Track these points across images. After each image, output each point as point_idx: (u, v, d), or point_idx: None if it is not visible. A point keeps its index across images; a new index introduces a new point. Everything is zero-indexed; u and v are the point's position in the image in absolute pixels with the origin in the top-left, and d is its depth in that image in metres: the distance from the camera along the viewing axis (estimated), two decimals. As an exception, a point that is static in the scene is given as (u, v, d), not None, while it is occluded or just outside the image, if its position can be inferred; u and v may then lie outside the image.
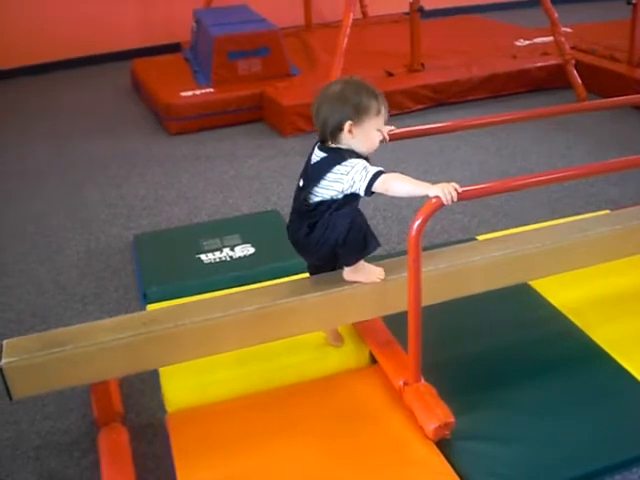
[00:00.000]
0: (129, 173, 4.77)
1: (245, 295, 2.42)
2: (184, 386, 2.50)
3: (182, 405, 2.45)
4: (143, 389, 2.65)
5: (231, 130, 5.44)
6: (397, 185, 2.15)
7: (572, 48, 6.09)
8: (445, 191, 2.07)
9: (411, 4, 5.56)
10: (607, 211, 3.37)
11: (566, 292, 2.91)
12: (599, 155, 4.60)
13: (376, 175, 2.16)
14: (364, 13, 8.12)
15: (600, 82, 5.77)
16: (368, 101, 2.23)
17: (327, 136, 2.27)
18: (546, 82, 5.97)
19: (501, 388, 2.45)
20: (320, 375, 2.55)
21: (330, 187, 2.24)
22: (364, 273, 2.38)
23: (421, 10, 5.53)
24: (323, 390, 2.48)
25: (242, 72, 5.79)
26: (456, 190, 2.08)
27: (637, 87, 5.36)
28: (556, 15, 5.76)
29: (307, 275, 2.52)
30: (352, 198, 2.26)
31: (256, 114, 5.59)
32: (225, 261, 3.31)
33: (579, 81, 5.69)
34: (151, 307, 2.88)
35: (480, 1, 8.95)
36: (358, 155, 2.25)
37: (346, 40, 4.95)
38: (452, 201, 2.07)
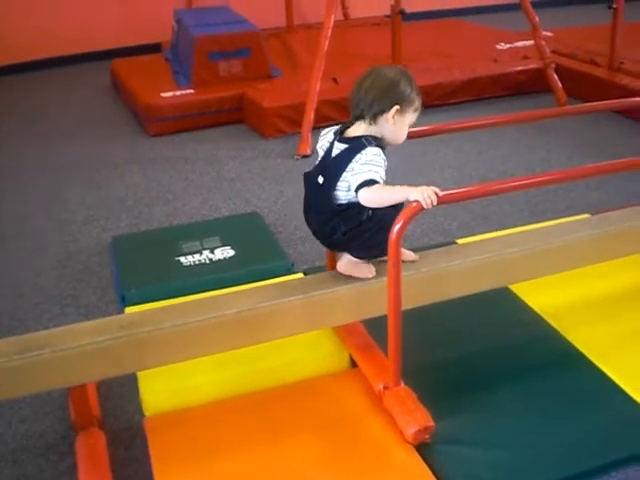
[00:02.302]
0: (108, 174, 4.74)
1: (224, 298, 2.40)
2: (162, 389, 2.47)
3: (160, 409, 2.43)
4: (121, 392, 2.63)
5: (211, 131, 5.42)
6: (377, 197, 2.19)
7: (553, 52, 6.12)
8: (424, 195, 2.07)
9: (392, 7, 5.56)
10: (587, 215, 3.38)
11: (545, 296, 2.91)
12: (579, 159, 4.62)
13: (372, 181, 2.18)
14: (345, 15, 8.12)
15: (580, 86, 5.80)
16: (415, 96, 2.33)
17: (368, 116, 2.30)
18: (527, 86, 5.99)
19: (481, 392, 2.45)
20: (300, 379, 2.54)
21: (346, 182, 2.25)
22: (361, 269, 2.40)
23: (402, 13, 5.54)
24: (303, 394, 2.47)
25: (223, 73, 5.78)
26: (436, 194, 2.08)
27: (617, 91, 5.38)
28: (537, 19, 5.80)
29: (287, 278, 2.51)
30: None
31: (237, 115, 5.56)
32: (204, 263, 3.29)
33: (559, 85, 5.72)
34: (129, 310, 2.85)
35: (461, 4, 8.98)
36: (377, 141, 2.27)
37: (327, 42, 4.95)
38: (432, 205, 2.08)
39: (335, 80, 5.57)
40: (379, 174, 2.20)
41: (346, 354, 2.60)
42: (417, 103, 2.34)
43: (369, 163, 2.21)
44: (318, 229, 2.42)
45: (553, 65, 5.83)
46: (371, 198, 2.20)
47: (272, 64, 6.02)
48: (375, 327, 2.52)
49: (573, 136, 5.03)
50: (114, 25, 7.71)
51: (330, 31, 4.96)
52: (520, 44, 6.58)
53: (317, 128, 4.81)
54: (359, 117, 2.33)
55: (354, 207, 2.28)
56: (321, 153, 2.39)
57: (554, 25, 7.22)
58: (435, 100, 5.52)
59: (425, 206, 2.07)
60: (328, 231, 2.36)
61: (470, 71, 5.83)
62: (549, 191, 4.03)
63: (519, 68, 6.02)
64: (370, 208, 2.25)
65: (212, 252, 3.37)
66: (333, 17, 5.00)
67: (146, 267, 3.31)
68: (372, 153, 2.23)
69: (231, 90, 5.59)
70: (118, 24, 7.72)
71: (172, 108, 5.45)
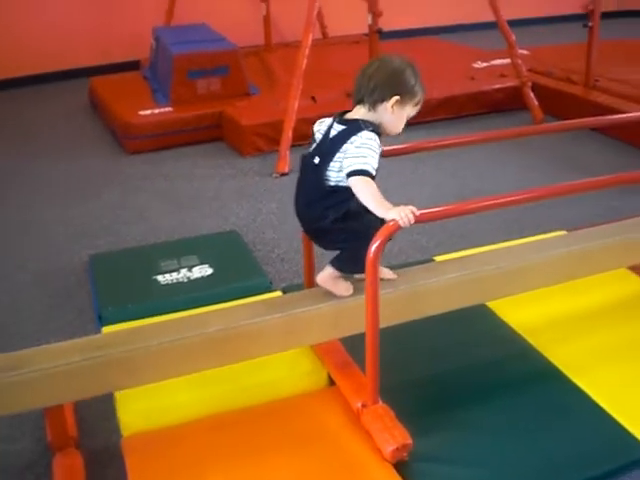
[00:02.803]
0: (86, 192, 4.72)
1: (202, 317, 2.40)
2: (140, 409, 2.46)
3: (138, 428, 2.42)
4: (99, 412, 2.60)
5: (190, 149, 5.41)
6: (366, 193, 2.18)
7: (529, 70, 6.18)
8: (402, 214, 2.08)
9: (370, 26, 5.60)
10: (563, 232, 3.41)
11: (523, 312, 2.93)
12: (555, 176, 4.64)
13: (365, 172, 2.19)
14: (324, 34, 8.17)
15: (557, 104, 5.86)
16: (418, 88, 2.34)
17: (368, 102, 2.31)
18: (504, 104, 6.04)
19: (459, 409, 2.46)
20: (278, 397, 2.53)
21: (339, 162, 2.25)
22: (339, 285, 2.40)
23: (380, 32, 5.57)
24: (281, 412, 2.47)
25: (201, 91, 5.78)
26: (413, 213, 2.09)
27: (592, 109, 5.44)
28: (513, 37, 5.86)
29: (266, 296, 2.50)
30: None
31: (215, 133, 5.57)
32: (182, 282, 3.28)
33: (536, 103, 5.78)
34: (107, 329, 2.85)
35: (438, 23, 9.05)
36: (373, 127, 2.28)
37: (305, 61, 4.97)
38: (409, 224, 2.09)
39: (313, 98, 5.60)
40: (371, 164, 2.20)
41: (324, 372, 2.60)
42: (419, 96, 2.35)
43: (363, 146, 2.22)
44: (304, 211, 2.39)
45: (529, 83, 5.88)
46: (360, 189, 2.19)
47: (250, 82, 6.04)
48: (353, 345, 2.53)
49: (549, 153, 5.07)
50: (93, 43, 7.70)
51: (308, 50, 4.98)
52: (497, 62, 6.64)
53: (295, 146, 4.87)
54: (359, 102, 2.34)
55: (342, 192, 2.27)
56: (319, 137, 2.39)
57: (530, 43, 7.29)
58: (412, 118, 5.53)
59: (402, 225, 2.08)
60: (314, 215, 2.34)
61: (447, 89, 5.87)
62: (526, 208, 4.05)
63: (496, 86, 6.07)
64: (358, 205, 2.24)
65: (190, 270, 3.36)
66: (311, 36, 5.02)
67: (124, 286, 3.30)
68: (367, 137, 2.24)
69: (209, 108, 5.59)
70: (96, 41, 7.71)
71: (150, 126, 5.44)
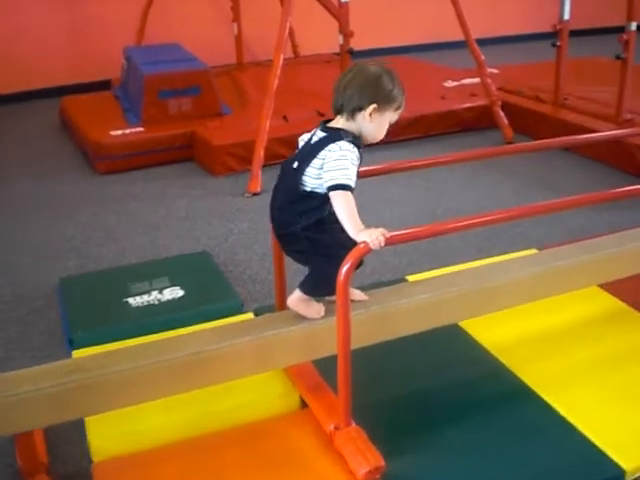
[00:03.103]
0: (56, 213, 4.68)
1: (173, 341, 2.38)
2: (111, 433, 2.43)
3: (108, 454, 2.38)
4: (69, 437, 2.57)
5: (161, 169, 5.40)
6: (344, 210, 2.17)
7: (499, 89, 6.24)
8: (372, 237, 2.08)
9: (341, 46, 5.63)
10: (534, 250, 3.43)
11: (495, 332, 2.93)
12: (525, 194, 4.70)
13: (346, 187, 2.18)
14: (296, 53, 8.21)
15: (526, 122, 5.92)
16: (397, 94, 2.29)
17: (346, 112, 2.28)
18: (474, 122, 6.10)
19: (432, 430, 2.45)
20: (251, 420, 2.51)
21: (317, 169, 2.24)
22: (310, 308, 2.40)
23: (351, 51, 5.60)
24: (254, 436, 2.45)
25: (172, 111, 5.77)
26: (384, 236, 2.09)
27: (562, 127, 5.51)
28: (483, 57, 5.91)
29: (237, 318, 2.48)
30: None
31: (187, 153, 5.56)
32: (153, 304, 3.25)
33: (505, 122, 5.83)
34: (77, 353, 2.81)
35: (409, 42, 9.13)
36: (353, 137, 2.26)
37: (277, 80, 4.98)
38: (379, 247, 2.08)
39: (285, 118, 5.61)
40: (351, 177, 2.19)
41: (296, 395, 2.58)
42: (398, 101, 2.30)
43: (343, 158, 2.20)
44: (277, 214, 2.37)
45: (499, 102, 5.94)
46: (339, 204, 2.17)
47: (222, 102, 6.04)
48: (326, 367, 2.51)
49: (519, 171, 5.12)
50: (64, 62, 7.69)
51: (279, 70, 4.99)
52: (467, 81, 6.71)
53: (267, 166, 4.87)
54: (338, 112, 2.31)
55: (316, 198, 2.26)
56: (301, 144, 2.38)
57: (500, 62, 7.38)
58: (384, 137, 5.54)
59: (373, 247, 2.08)
60: (285, 219, 2.33)
61: (418, 108, 5.90)
62: (496, 226, 4.08)
63: (466, 105, 6.13)
64: (331, 216, 2.24)
65: (161, 292, 3.33)
66: (282, 56, 5.04)
67: (94, 309, 3.26)
68: (346, 148, 2.21)
69: (181, 128, 5.59)
70: (68, 61, 7.71)
71: (121, 146, 5.43)
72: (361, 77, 2.29)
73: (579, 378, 2.68)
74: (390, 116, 2.32)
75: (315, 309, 2.40)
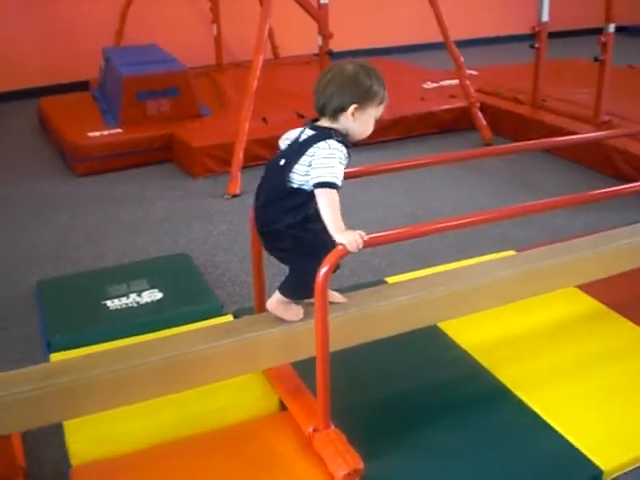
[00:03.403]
0: (33, 215, 4.65)
1: (152, 344, 2.36)
2: (90, 437, 2.41)
3: (87, 457, 2.36)
4: (48, 441, 2.55)
5: (140, 171, 5.37)
6: (327, 208, 2.17)
7: (477, 91, 6.27)
8: (350, 239, 2.08)
9: (320, 47, 5.63)
10: (513, 252, 3.44)
11: (473, 333, 2.94)
12: (505, 196, 4.72)
13: (332, 185, 2.18)
14: (275, 54, 8.20)
15: (505, 124, 5.95)
16: (377, 88, 2.28)
17: (328, 113, 2.28)
18: (453, 124, 6.12)
19: (411, 432, 2.45)
20: (230, 423, 2.50)
21: (306, 165, 2.23)
22: (290, 311, 2.39)
23: (330, 53, 5.61)
24: (232, 439, 2.44)
25: (151, 112, 5.74)
26: (362, 238, 2.09)
27: (540, 128, 5.55)
28: (462, 59, 5.94)
29: (216, 320, 2.47)
30: None
31: (166, 155, 5.53)
32: (132, 307, 3.23)
33: (484, 123, 5.85)
34: (55, 356, 2.79)
35: (388, 44, 9.14)
36: (342, 137, 2.26)
37: (256, 82, 4.97)
38: (357, 249, 2.08)
39: (264, 119, 5.60)
40: (338, 176, 2.19)
41: (275, 397, 2.57)
42: (380, 96, 2.29)
43: (331, 157, 2.19)
44: (261, 211, 2.35)
45: (478, 104, 5.96)
46: (323, 202, 2.17)
47: (201, 103, 6.02)
48: (305, 369, 2.51)
49: (499, 172, 5.14)
50: (41, 62, 7.63)
51: (259, 71, 4.98)
52: (446, 83, 6.73)
53: (247, 167, 4.86)
54: (322, 114, 2.31)
55: (303, 195, 2.25)
56: (286, 142, 2.37)
57: (479, 64, 7.40)
58: (363, 139, 5.55)
59: (350, 249, 2.08)
60: (269, 217, 2.32)
61: (398, 110, 5.91)
62: (476, 227, 4.09)
63: (445, 107, 6.15)
64: (316, 215, 2.23)
65: (140, 295, 3.31)
66: (262, 57, 5.02)
67: (72, 312, 3.24)
68: (334, 147, 2.21)
69: (160, 129, 5.57)
70: (45, 61, 7.64)
71: (99, 148, 5.39)
72: (338, 78, 2.28)
73: (557, 379, 2.69)
74: (374, 112, 2.31)
75: (294, 312, 2.40)
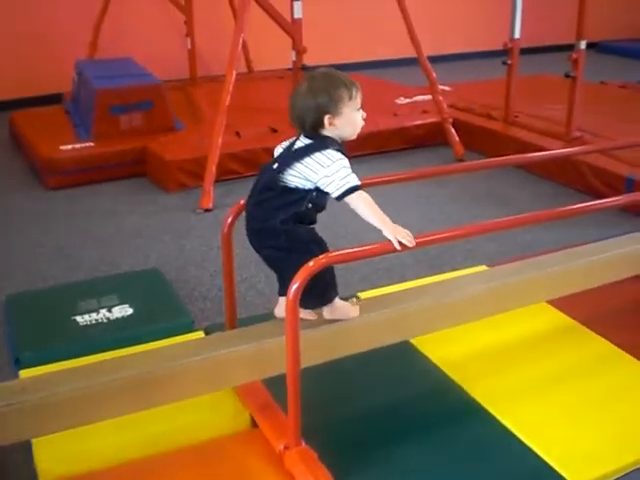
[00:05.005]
0: (4, 229, 4.61)
1: (122, 360, 2.35)
2: (58, 455, 2.38)
3: (56, 475, 2.33)
4: (15, 458, 2.50)
5: (112, 185, 5.34)
6: (365, 209, 2.24)
7: (450, 106, 6.32)
8: (398, 237, 2.18)
9: (294, 62, 5.65)
10: (484, 266, 3.46)
11: (445, 348, 2.95)
12: (476, 211, 4.74)
13: (356, 188, 2.22)
14: (249, 68, 8.21)
15: (477, 139, 6.00)
16: (337, 91, 2.27)
17: (309, 130, 2.29)
18: (426, 139, 6.16)
19: (382, 448, 2.44)
20: (200, 440, 2.48)
21: (303, 174, 2.24)
22: (339, 309, 2.47)
23: (304, 67, 5.62)
24: (204, 456, 2.42)
25: (124, 126, 5.71)
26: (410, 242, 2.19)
27: (512, 144, 5.59)
28: (434, 75, 5.98)
29: (187, 337, 2.45)
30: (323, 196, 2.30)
31: (138, 169, 5.50)
32: (102, 323, 3.20)
33: (457, 139, 5.89)
34: (24, 373, 2.76)
35: (362, 59, 9.18)
36: (339, 146, 2.28)
37: (229, 97, 4.97)
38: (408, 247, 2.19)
39: (238, 134, 5.60)
40: (354, 178, 2.23)
41: (246, 414, 2.56)
42: (349, 94, 2.28)
43: (340, 167, 2.22)
44: (253, 210, 2.36)
45: (450, 119, 6.01)
46: (360, 204, 2.23)
47: (175, 117, 6.01)
48: (276, 386, 2.50)
49: (470, 188, 5.17)
50: (13, 75, 7.57)
51: (232, 86, 4.98)
52: (419, 98, 6.77)
53: (220, 182, 4.85)
54: (303, 130, 2.32)
55: (296, 193, 2.27)
56: (280, 150, 2.38)
57: (452, 79, 7.45)
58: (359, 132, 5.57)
59: (398, 248, 2.19)
60: (261, 214, 2.32)
61: (371, 125, 5.90)
62: (448, 242, 4.11)
63: (418, 122, 6.19)
64: (310, 200, 2.27)
65: (110, 311, 3.28)
66: (235, 72, 5.02)
67: (41, 327, 3.20)
68: (338, 157, 2.23)
69: (132, 143, 5.54)
70: (18, 74, 7.59)
71: (71, 161, 5.36)
72: (297, 100, 2.30)
73: (528, 394, 2.70)
74: (350, 109, 2.31)
75: (346, 307, 2.47)
